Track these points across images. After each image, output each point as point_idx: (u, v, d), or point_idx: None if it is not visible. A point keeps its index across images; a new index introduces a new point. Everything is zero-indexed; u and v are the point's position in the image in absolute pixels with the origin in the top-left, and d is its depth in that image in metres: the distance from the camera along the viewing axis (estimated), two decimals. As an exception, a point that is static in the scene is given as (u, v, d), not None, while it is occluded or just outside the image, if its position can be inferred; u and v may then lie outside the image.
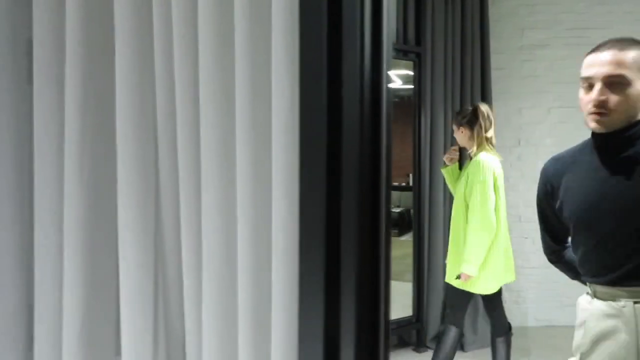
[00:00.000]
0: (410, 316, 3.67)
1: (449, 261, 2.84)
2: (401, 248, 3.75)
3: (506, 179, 4.01)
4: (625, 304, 1.38)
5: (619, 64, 1.34)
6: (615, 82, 1.34)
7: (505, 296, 4.01)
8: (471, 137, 2.74)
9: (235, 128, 0.83)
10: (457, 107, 3.68)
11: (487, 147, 2.71)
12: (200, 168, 0.87)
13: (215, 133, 0.84)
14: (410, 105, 3.73)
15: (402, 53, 3.58)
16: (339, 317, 0.68)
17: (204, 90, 0.84)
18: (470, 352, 3.64)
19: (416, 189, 3.70)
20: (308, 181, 0.70)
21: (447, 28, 3.64)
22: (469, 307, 2.94)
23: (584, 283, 1.55)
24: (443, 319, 3.15)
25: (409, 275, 3.74)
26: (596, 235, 1.44)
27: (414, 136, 3.66)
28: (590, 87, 1.37)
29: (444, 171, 3.09)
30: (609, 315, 1.41)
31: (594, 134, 1.45)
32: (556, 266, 1.71)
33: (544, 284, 4.06)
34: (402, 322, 3.64)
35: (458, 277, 2.68)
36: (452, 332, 2.81)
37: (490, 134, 2.73)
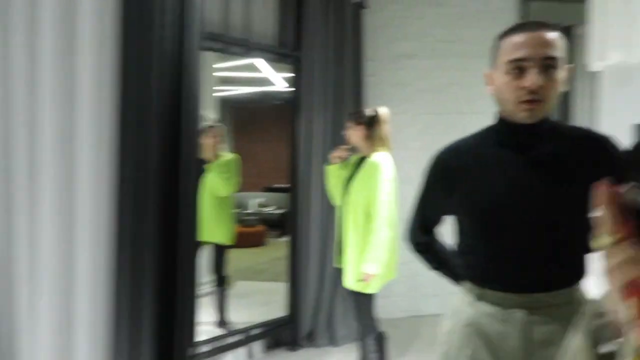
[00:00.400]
0: (285, 316, 3.69)
1: (352, 265, 2.69)
2: (283, 249, 3.77)
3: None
4: (517, 311, 1.24)
5: (552, 45, 1.19)
6: (549, 66, 1.18)
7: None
8: (366, 137, 2.76)
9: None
10: (334, 111, 3.79)
11: (383, 147, 2.75)
12: None
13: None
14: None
15: (281, 57, 3.60)
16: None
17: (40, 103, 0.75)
18: (344, 346, 3.75)
19: (293, 189, 3.73)
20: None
21: (324, 35, 3.72)
22: (339, 302, 2.91)
23: (456, 282, 1.47)
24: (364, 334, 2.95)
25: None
26: (504, 237, 1.28)
27: (290, 139, 3.69)
28: (520, 70, 1.19)
29: (329, 169, 3.03)
30: (497, 319, 1.27)
31: (501, 126, 1.30)
32: (423, 256, 1.59)
33: (409, 277, 4.33)
34: (278, 323, 3.66)
35: (361, 279, 2.60)
36: (376, 340, 2.76)
37: (386, 135, 2.78)
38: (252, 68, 3.66)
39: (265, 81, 3.90)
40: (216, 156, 3.47)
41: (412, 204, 1.55)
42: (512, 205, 1.26)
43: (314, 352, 3.70)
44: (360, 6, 3.97)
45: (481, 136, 1.37)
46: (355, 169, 2.82)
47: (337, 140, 3.82)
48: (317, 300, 3.81)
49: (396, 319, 4.26)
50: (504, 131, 1.30)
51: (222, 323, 3.58)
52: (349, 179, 2.83)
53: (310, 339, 3.80)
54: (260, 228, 4.91)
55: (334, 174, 3.02)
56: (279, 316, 3.66)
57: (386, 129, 2.79)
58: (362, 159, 2.80)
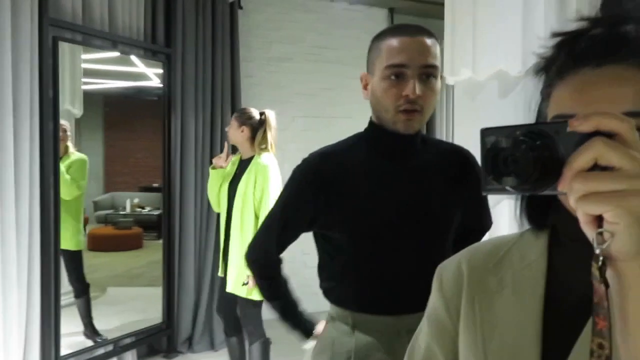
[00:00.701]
0: (160, 322, 3.58)
1: (235, 271, 2.62)
2: (160, 252, 3.63)
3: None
4: (403, 337, 1.14)
5: (432, 52, 1.13)
6: (429, 75, 1.12)
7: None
8: (250, 139, 2.72)
9: None
10: (209, 111, 3.75)
11: (268, 149, 2.72)
12: None
13: None
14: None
15: (150, 52, 3.48)
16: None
17: None
18: (223, 350, 3.72)
19: (166, 191, 3.63)
20: None
21: (198, 32, 3.66)
22: (213, 307, 2.87)
23: (296, 322, 1.34)
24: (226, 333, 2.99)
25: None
26: (386, 255, 1.18)
27: (163, 137, 3.59)
28: (398, 77, 1.11)
29: (213, 172, 2.90)
30: (381, 350, 1.16)
31: (377, 135, 1.21)
32: (270, 282, 1.37)
33: (292, 275, 4.41)
34: (152, 330, 3.53)
35: (245, 283, 2.56)
36: (261, 345, 2.73)
37: (272, 139, 2.75)
38: (127, 62, 3.48)
39: (141, 76, 3.73)
40: (62, 157, 3.13)
41: (266, 217, 1.36)
42: (398, 222, 1.17)
43: (192, 358, 3.64)
44: (234, 6, 3.95)
45: (354, 144, 1.25)
46: (237, 171, 2.76)
47: (214, 140, 3.78)
48: (196, 304, 3.75)
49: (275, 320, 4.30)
50: (381, 140, 1.21)
51: (91, 333, 3.38)
52: (232, 181, 2.76)
53: (189, 345, 3.73)
54: (136, 230, 4.67)
55: (218, 177, 2.88)
56: (155, 323, 3.54)
57: (272, 132, 2.76)
58: (244, 161, 2.75)
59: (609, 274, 0.46)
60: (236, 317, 2.85)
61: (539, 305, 0.64)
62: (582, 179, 0.43)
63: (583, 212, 0.45)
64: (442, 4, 2.13)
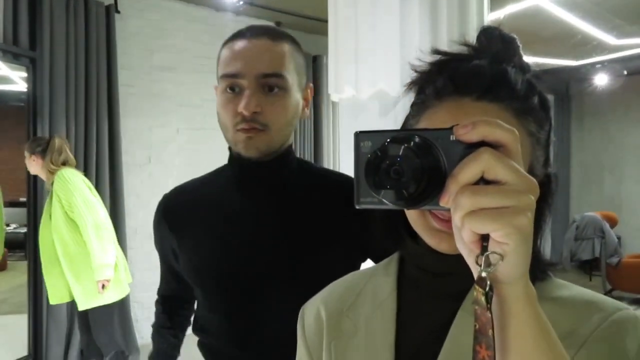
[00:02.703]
0: (26, 356, 3.24)
1: (79, 287, 2.74)
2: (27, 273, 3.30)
3: (137, 196, 4.04)
4: None
5: (276, 58, 0.94)
6: (271, 85, 0.94)
7: (137, 314, 4.00)
8: (43, 166, 2.80)
9: None
10: (82, 120, 3.51)
11: (62, 168, 2.79)
12: None
13: None
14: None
15: (11, 55, 3.17)
16: None
17: None
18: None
19: (31, 206, 3.35)
20: None
21: (69, 36, 3.40)
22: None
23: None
24: (85, 357, 3.01)
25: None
26: (235, 299, 1.02)
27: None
28: (234, 89, 0.94)
29: None
30: None
31: (235, 160, 1.02)
32: (165, 318, 1.23)
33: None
34: (15, 365, 3.18)
35: (103, 286, 2.70)
36: (116, 356, 2.85)
37: (59, 163, 2.80)
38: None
39: (3, 79, 3.40)
40: None
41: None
42: (234, 271, 1.01)
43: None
44: (111, 9, 3.73)
45: (215, 174, 1.12)
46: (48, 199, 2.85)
47: (88, 150, 3.54)
48: (69, 332, 3.43)
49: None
50: (238, 166, 1.03)
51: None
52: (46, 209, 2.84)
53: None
54: (-1, 250, 4.21)
55: None
56: (19, 357, 3.19)
57: (60, 155, 2.82)
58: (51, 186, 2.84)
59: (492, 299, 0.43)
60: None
61: (390, 348, 0.63)
62: (470, 194, 0.40)
63: (469, 231, 0.41)
64: (327, 20, 2.17)
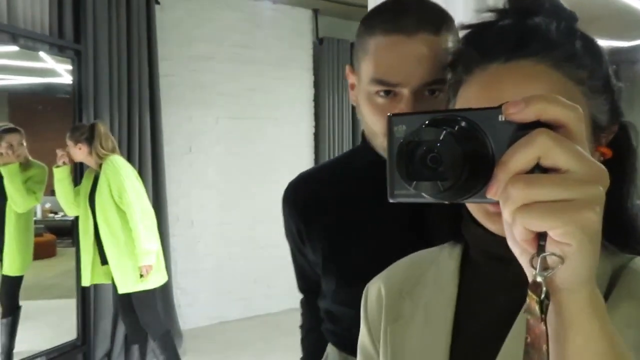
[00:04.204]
0: (75, 339, 3.34)
1: (119, 271, 2.81)
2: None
3: (178, 184, 4.12)
4: None
5: (440, 61, 0.78)
6: (433, 90, 0.83)
7: (180, 300, 4.10)
8: (90, 153, 2.83)
9: None
10: (125, 111, 3.57)
11: (112, 153, 2.84)
12: None
13: None
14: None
15: (56, 48, 3.25)
16: None
17: None
18: None
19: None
20: None
21: (111, 29, 3.46)
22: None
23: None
24: (129, 341, 3.13)
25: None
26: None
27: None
28: (389, 94, 0.83)
29: (57, 171, 2.97)
30: None
31: (370, 161, 0.92)
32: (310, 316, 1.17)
33: (215, 283, 4.30)
34: (65, 347, 3.28)
35: (141, 275, 2.77)
36: (163, 338, 2.91)
37: (110, 149, 2.85)
38: (34, 57, 3.26)
39: (50, 72, 3.50)
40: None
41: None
42: (379, 269, 0.95)
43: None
44: (151, 1, 3.77)
45: (348, 165, 1.05)
46: (93, 185, 2.90)
47: (131, 140, 3.61)
48: (115, 315, 3.53)
49: (202, 327, 4.19)
50: (371, 168, 0.89)
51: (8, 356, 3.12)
52: (90, 194, 2.89)
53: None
54: (48, 237, 4.38)
55: (61, 177, 2.96)
56: (70, 339, 3.31)
57: (108, 141, 2.87)
58: (97, 176, 2.88)
59: (550, 308, 0.37)
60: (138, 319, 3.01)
61: (447, 336, 0.60)
62: (524, 185, 0.33)
63: (522, 228, 0.35)
64: (366, 7, 2.12)
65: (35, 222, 4.32)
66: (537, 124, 0.35)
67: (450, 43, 0.83)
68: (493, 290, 0.59)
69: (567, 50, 0.52)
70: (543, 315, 0.35)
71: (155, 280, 2.86)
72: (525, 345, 0.36)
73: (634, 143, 0.56)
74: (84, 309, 3.37)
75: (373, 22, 0.85)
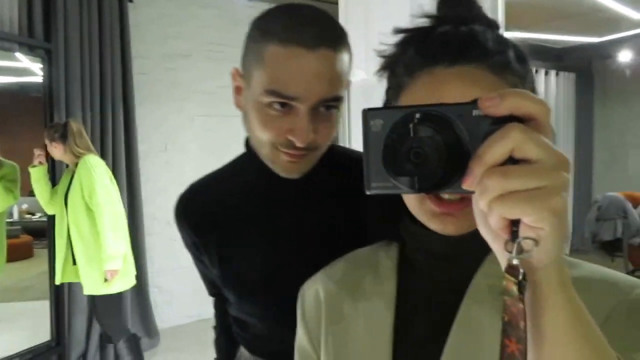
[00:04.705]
0: (49, 340, 3.31)
1: (86, 273, 2.80)
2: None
3: (155, 182, 4.09)
4: None
5: (339, 78, 0.80)
6: (328, 106, 0.81)
7: (157, 299, 4.08)
8: (67, 151, 2.81)
9: None
10: (98, 109, 3.54)
11: (87, 152, 2.81)
12: None
13: None
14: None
15: (27, 47, 3.21)
16: None
17: None
18: None
19: None
20: None
21: (82, 27, 3.42)
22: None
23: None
24: (104, 340, 3.09)
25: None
26: (267, 309, 0.99)
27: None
28: (284, 106, 0.79)
29: (32, 172, 3.01)
30: None
31: (263, 173, 0.90)
32: (218, 321, 1.19)
33: (192, 281, 4.27)
34: (40, 349, 3.25)
35: (105, 279, 2.73)
36: (127, 342, 2.87)
37: (84, 147, 2.83)
38: (8, 56, 3.21)
39: (25, 71, 3.45)
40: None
41: None
42: (276, 280, 0.95)
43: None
44: (124, -1, 3.74)
45: (234, 172, 1.02)
46: (69, 183, 2.88)
47: (104, 138, 3.58)
48: (90, 318, 3.50)
49: (180, 326, 4.18)
50: (256, 176, 0.93)
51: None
52: (67, 194, 2.88)
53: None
54: (25, 238, 4.32)
55: (37, 178, 3.00)
56: (43, 341, 3.27)
57: (82, 139, 2.85)
58: (73, 174, 2.87)
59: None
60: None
61: (389, 336, 0.61)
62: (499, 176, 0.36)
63: (498, 216, 0.37)
64: (336, 3, 2.14)
65: (12, 223, 4.26)
66: (509, 118, 0.37)
67: (346, 60, 0.81)
68: (434, 289, 0.61)
69: (503, 57, 0.55)
70: (521, 295, 0.38)
71: (120, 285, 2.82)
72: (503, 324, 0.39)
73: None
74: (57, 310, 3.34)
75: (269, 28, 0.80)
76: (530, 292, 0.39)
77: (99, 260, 2.73)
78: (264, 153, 0.86)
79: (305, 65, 0.77)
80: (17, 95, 3.86)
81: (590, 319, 0.41)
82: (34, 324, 3.47)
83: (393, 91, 0.60)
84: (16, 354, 3.11)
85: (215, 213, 0.98)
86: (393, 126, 0.40)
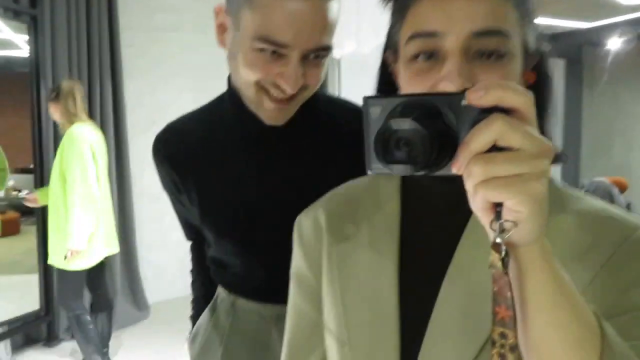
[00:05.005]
0: (38, 309, 3.33)
1: (51, 241, 2.80)
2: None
3: (143, 159, 4.05)
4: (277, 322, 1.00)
5: (329, 26, 0.81)
6: (318, 57, 0.82)
7: (147, 273, 4.09)
8: (61, 112, 2.74)
9: None
10: (86, 82, 3.49)
11: (78, 120, 2.74)
12: None
13: None
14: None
15: (12, 12, 3.15)
16: None
17: None
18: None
19: (38, 172, 3.38)
20: None
21: (69, -5, 3.36)
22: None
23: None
24: (94, 309, 3.09)
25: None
26: (246, 247, 1.01)
27: (32, 111, 3.29)
28: (274, 53, 0.79)
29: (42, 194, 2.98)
30: (259, 330, 1.05)
31: (244, 116, 0.91)
32: (194, 263, 1.22)
33: (181, 256, 4.28)
34: (29, 318, 3.28)
35: (65, 257, 2.70)
36: (77, 320, 2.81)
37: (75, 109, 2.74)
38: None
39: (7, 44, 3.39)
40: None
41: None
42: (256, 215, 0.96)
43: (74, 346, 3.43)
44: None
45: (213, 115, 1.02)
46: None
47: (92, 113, 3.54)
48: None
49: (169, 300, 4.19)
50: (239, 116, 0.93)
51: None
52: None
53: (71, 332, 3.51)
54: (12, 215, 4.30)
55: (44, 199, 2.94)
56: (30, 310, 3.29)
57: (75, 102, 2.75)
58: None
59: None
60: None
61: (394, 255, 0.62)
62: (483, 163, 0.39)
63: (482, 199, 0.41)
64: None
65: (-2, 199, 4.24)
66: (495, 108, 0.40)
67: (337, 9, 0.81)
68: (438, 208, 0.62)
69: None
70: (505, 270, 0.42)
71: (79, 263, 2.76)
72: (492, 293, 0.44)
73: (550, 71, 0.63)
74: (46, 280, 3.34)
75: None
76: (514, 266, 0.43)
77: (64, 236, 2.69)
78: (249, 95, 0.86)
79: (299, 12, 0.77)
80: (1, 71, 3.81)
81: (572, 287, 0.44)
82: (22, 296, 3.48)
83: (399, 14, 0.60)
84: (5, 321, 3.12)
85: (194, 150, 0.99)
86: (388, 115, 0.44)
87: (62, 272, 2.76)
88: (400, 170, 0.43)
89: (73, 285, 2.82)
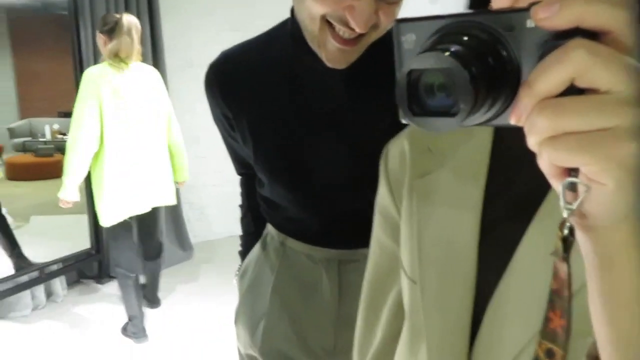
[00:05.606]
0: (89, 248, 3.47)
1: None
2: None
3: (182, 100, 4.06)
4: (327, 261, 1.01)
5: None
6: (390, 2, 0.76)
7: (189, 214, 4.18)
8: (105, 45, 2.53)
9: None
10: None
11: (110, 59, 2.51)
12: None
13: None
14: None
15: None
16: None
17: None
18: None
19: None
20: None
21: None
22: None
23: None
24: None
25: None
26: (299, 194, 0.98)
27: (73, 54, 3.26)
28: None
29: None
30: (307, 268, 1.04)
31: (299, 50, 0.86)
32: (243, 199, 1.23)
33: (222, 198, 4.35)
34: (81, 256, 3.42)
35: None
36: (123, 280, 2.80)
37: (127, 48, 2.51)
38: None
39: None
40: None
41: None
42: (309, 168, 0.93)
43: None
44: None
45: (272, 46, 0.95)
46: None
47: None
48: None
49: (211, 241, 4.30)
50: (299, 57, 0.87)
51: (18, 263, 3.24)
52: None
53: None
54: (58, 157, 4.44)
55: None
56: (82, 249, 3.43)
57: (128, 40, 2.51)
58: None
59: (585, 246, 0.32)
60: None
61: (479, 193, 0.55)
62: (552, 113, 0.27)
63: (550, 162, 0.29)
64: None
65: (45, 142, 4.37)
66: (575, 31, 0.27)
67: None
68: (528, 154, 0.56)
69: None
70: (565, 254, 0.31)
71: (103, 220, 2.63)
72: (550, 291, 0.34)
73: None
74: (96, 222, 3.46)
75: None
76: (592, 255, 0.32)
77: (98, 187, 2.60)
78: (312, 30, 0.79)
79: None
80: (42, 14, 3.80)
81: None
82: (72, 236, 3.62)
83: None
84: (60, 258, 3.27)
85: (248, 83, 0.93)
86: (421, 47, 0.32)
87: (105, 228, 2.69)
88: (433, 125, 0.31)
89: (113, 239, 2.81)
